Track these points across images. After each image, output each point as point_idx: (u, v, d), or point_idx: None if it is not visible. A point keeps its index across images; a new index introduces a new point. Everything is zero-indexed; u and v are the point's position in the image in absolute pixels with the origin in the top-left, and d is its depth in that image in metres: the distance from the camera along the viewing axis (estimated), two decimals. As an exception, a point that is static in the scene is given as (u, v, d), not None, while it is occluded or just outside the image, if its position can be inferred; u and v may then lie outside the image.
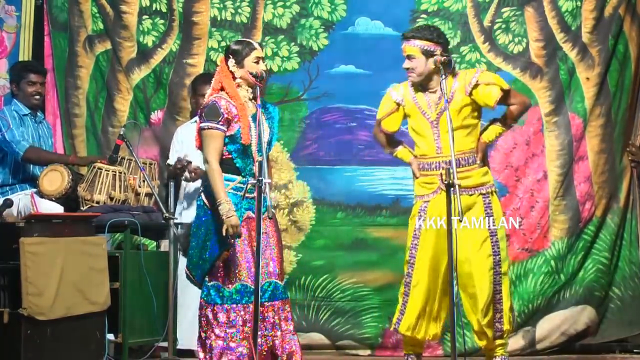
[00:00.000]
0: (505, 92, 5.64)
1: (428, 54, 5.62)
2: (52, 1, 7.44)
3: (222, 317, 5.42)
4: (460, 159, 5.66)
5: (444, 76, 5.30)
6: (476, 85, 5.62)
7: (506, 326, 5.68)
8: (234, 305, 5.40)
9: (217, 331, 5.41)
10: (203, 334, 5.48)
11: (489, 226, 5.64)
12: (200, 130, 5.47)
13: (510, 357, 7.05)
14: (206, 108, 5.46)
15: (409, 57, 5.69)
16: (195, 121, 7.05)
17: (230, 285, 5.42)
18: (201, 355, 5.48)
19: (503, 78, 7.16)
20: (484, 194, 5.70)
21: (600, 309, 7.18)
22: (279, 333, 5.48)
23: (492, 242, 5.65)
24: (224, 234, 5.30)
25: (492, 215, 5.67)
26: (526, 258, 7.17)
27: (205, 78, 7.06)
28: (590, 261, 7.18)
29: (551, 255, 7.15)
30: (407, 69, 5.70)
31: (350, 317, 7.16)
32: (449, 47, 5.80)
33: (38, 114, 6.87)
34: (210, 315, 5.44)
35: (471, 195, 5.68)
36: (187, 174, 6.75)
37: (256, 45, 5.57)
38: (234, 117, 5.45)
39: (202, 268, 5.48)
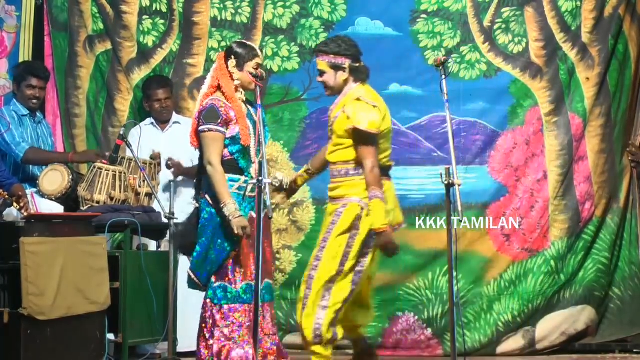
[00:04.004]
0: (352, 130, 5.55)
1: (337, 68, 5.63)
2: (52, 1, 7.43)
3: (229, 317, 5.44)
4: (334, 170, 5.66)
5: (443, 76, 5.29)
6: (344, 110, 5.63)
7: (307, 337, 5.53)
8: (240, 305, 5.43)
9: (225, 331, 5.43)
10: (207, 334, 5.49)
11: (325, 233, 5.60)
12: (199, 133, 5.47)
13: (510, 357, 7.09)
14: (205, 111, 5.47)
15: (320, 72, 5.69)
16: (152, 123, 7.15)
17: (237, 285, 5.45)
18: (205, 356, 5.48)
19: (503, 78, 7.24)
20: (343, 204, 5.62)
21: (600, 309, 7.18)
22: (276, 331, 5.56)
23: (318, 248, 5.61)
24: (235, 233, 5.31)
25: (335, 224, 5.58)
26: (526, 258, 7.17)
27: (158, 82, 7.11)
28: (590, 261, 7.18)
29: (551, 255, 7.15)
30: (321, 83, 5.72)
31: (350, 317, 7.15)
32: (359, 56, 5.74)
33: (37, 114, 6.88)
34: (217, 316, 5.46)
35: (335, 204, 5.64)
36: (169, 164, 6.78)
37: (259, 52, 5.61)
38: (232, 119, 5.46)
39: (209, 269, 5.49)
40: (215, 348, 5.45)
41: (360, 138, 5.51)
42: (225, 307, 5.45)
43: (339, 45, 5.65)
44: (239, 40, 5.96)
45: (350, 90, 5.63)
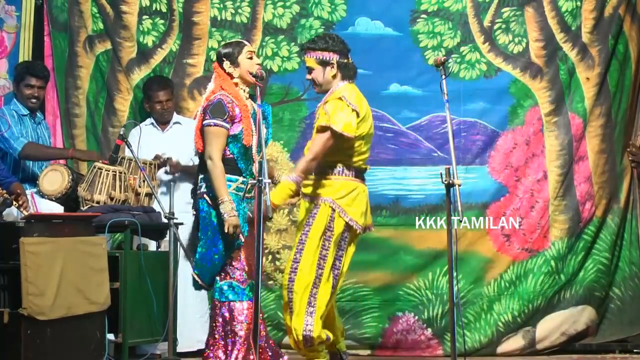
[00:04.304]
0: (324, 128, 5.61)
1: (325, 64, 5.68)
2: (52, 1, 7.43)
3: (241, 313, 5.45)
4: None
5: (443, 76, 5.29)
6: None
7: (298, 342, 5.60)
8: (247, 303, 5.45)
9: (239, 328, 5.44)
10: (216, 334, 5.50)
11: (301, 235, 5.65)
12: (204, 127, 5.47)
13: (511, 357, 7.09)
14: (212, 105, 5.47)
15: (309, 69, 5.75)
16: (152, 123, 7.14)
17: (244, 283, 5.46)
18: (222, 356, 5.48)
19: (503, 78, 7.24)
20: (316, 204, 5.67)
21: (601, 309, 7.18)
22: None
23: (295, 250, 5.65)
24: (226, 232, 5.33)
25: (310, 225, 5.63)
26: (526, 258, 7.17)
27: (159, 84, 7.10)
28: (591, 261, 7.18)
29: (551, 255, 7.15)
30: (309, 80, 5.80)
31: (350, 317, 7.15)
32: (347, 52, 5.78)
33: (37, 114, 6.88)
34: (227, 314, 5.47)
35: (311, 203, 5.70)
36: (167, 167, 6.78)
37: (245, 42, 5.66)
38: (237, 117, 5.47)
39: (212, 270, 5.50)
40: (231, 346, 5.46)
41: (328, 131, 5.54)
42: (236, 304, 5.47)
43: (326, 42, 5.71)
44: (223, 44, 5.98)
45: (337, 88, 5.66)
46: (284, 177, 5.60)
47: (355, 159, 5.66)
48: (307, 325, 5.53)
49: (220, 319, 5.50)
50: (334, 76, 5.70)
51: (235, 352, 5.45)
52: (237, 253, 5.49)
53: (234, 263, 5.49)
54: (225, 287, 5.49)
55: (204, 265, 5.52)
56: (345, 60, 5.71)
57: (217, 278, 5.52)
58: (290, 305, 5.59)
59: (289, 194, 5.56)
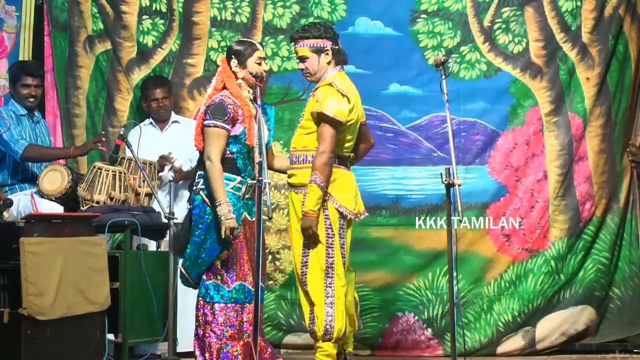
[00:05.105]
0: (317, 114, 5.63)
1: (319, 51, 5.70)
2: (52, 1, 7.43)
3: (221, 315, 5.44)
4: (293, 156, 5.75)
5: (443, 76, 5.29)
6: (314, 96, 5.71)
7: (318, 332, 5.59)
8: (233, 305, 5.43)
9: (216, 330, 5.43)
10: (201, 332, 5.49)
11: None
12: (204, 127, 5.48)
13: (510, 357, 7.09)
14: (212, 106, 5.47)
15: (302, 58, 5.74)
16: (150, 123, 7.14)
17: (230, 285, 5.44)
18: (199, 354, 5.50)
19: (503, 78, 7.24)
20: (306, 194, 5.66)
21: (600, 309, 7.18)
22: None
23: (303, 244, 5.66)
24: (222, 235, 5.33)
25: None
26: (526, 258, 7.17)
27: (155, 82, 7.10)
28: (590, 261, 7.18)
29: (551, 255, 7.15)
30: (302, 70, 5.79)
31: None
32: (338, 39, 5.83)
33: (35, 113, 6.88)
34: (209, 314, 5.46)
35: (297, 193, 5.70)
36: (171, 172, 6.78)
37: (258, 46, 5.61)
38: (239, 117, 5.47)
39: (199, 267, 5.50)
40: (207, 347, 5.45)
41: (323, 121, 5.57)
42: (217, 306, 5.46)
43: (319, 29, 5.74)
44: (237, 40, 5.98)
45: (327, 76, 5.68)
46: (311, 179, 5.55)
47: (341, 147, 5.68)
48: (327, 315, 5.54)
49: (202, 320, 5.49)
50: (329, 63, 5.71)
51: (212, 352, 5.44)
52: (225, 253, 5.47)
53: (221, 263, 5.48)
54: (211, 288, 5.48)
55: (193, 262, 5.52)
56: (337, 47, 5.75)
57: (204, 277, 5.51)
58: (308, 298, 5.60)
59: (321, 195, 5.55)
